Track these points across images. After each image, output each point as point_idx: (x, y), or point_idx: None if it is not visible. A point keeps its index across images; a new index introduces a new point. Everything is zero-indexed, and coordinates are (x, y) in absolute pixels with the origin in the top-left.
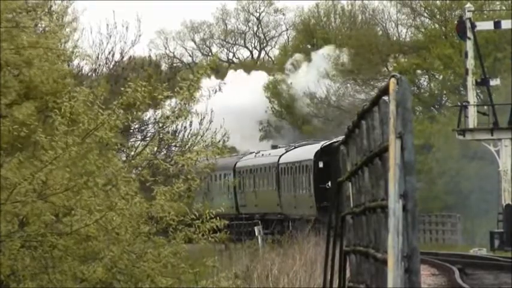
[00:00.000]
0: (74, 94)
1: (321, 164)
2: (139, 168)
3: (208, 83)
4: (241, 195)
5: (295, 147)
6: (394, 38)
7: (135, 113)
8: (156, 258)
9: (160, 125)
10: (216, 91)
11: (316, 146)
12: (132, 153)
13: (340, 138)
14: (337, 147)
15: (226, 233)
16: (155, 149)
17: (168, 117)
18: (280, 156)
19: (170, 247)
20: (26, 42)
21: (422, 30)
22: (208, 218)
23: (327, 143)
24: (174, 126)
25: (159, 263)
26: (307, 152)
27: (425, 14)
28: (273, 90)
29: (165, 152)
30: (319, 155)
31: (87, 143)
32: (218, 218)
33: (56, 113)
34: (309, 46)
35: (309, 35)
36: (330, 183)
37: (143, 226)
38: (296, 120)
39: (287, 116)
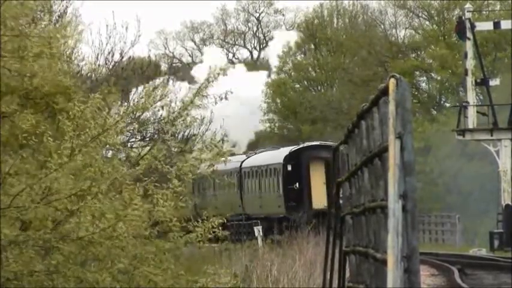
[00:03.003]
0: (85, 99)
1: (289, 167)
2: (138, 169)
3: (214, 89)
4: (201, 199)
5: (256, 154)
6: (393, 39)
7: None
8: (158, 264)
9: (166, 128)
10: (222, 99)
11: (285, 151)
12: (132, 153)
13: (307, 143)
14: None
15: (226, 239)
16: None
17: (174, 124)
18: (242, 162)
19: (171, 252)
20: (31, 51)
21: (420, 31)
22: (211, 226)
23: (295, 148)
24: (174, 128)
25: (160, 266)
26: (276, 156)
27: (424, 16)
28: (277, 90)
29: (164, 152)
30: (288, 158)
31: (91, 147)
32: (220, 227)
33: (63, 116)
34: (312, 46)
35: (311, 35)
36: (297, 185)
37: (144, 230)
38: (299, 120)
39: (291, 115)
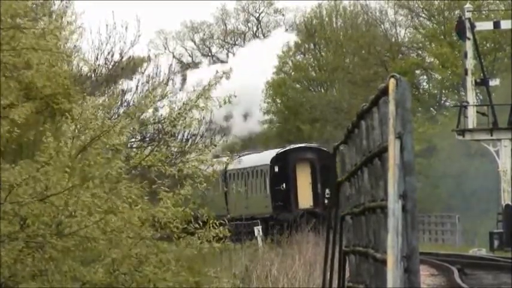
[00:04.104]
0: (85, 101)
1: (276, 168)
2: (139, 169)
3: (217, 92)
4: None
5: (240, 156)
6: (393, 40)
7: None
8: (158, 264)
9: (167, 129)
10: (225, 102)
11: (272, 153)
12: (133, 154)
13: (293, 145)
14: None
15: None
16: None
17: (174, 126)
18: (227, 164)
19: (173, 253)
20: (24, 43)
21: (421, 30)
22: (212, 227)
23: (281, 150)
24: (174, 128)
25: (161, 268)
26: (263, 158)
27: (424, 15)
28: (277, 89)
29: (164, 151)
30: (274, 160)
31: (94, 147)
32: (222, 227)
33: (65, 116)
34: (312, 45)
35: (311, 35)
36: (284, 185)
37: (146, 231)
38: (299, 120)
39: (291, 115)
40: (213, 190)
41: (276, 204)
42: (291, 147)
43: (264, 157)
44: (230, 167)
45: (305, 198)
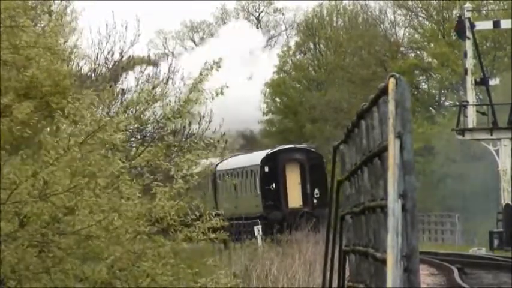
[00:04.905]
0: (79, 96)
1: (266, 169)
2: (139, 168)
3: (211, 83)
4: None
5: (230, 157)
6: (392, 39)
7: (134, 112)
8: (156, 258)
9: (161, 125)
10: (218, 94)
11: (262, 153)
12: (132, 153)
13: (283, 146)
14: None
15: (225, 232)
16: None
17: (169, 119)
18: (217, 165)
19: (170, 246)
20: (25, 41)
21: (420, 30)
22: (208, 218)
23: (271, 151)
24: (173, 125)
25: (159, 262)
26: (253, 158)
27: (422, 15)
28: (277, 89)
29: (164, 151)
30: (265, 160)
31: (89, 144)
32: (218, 218)
33: (60, 114)
34: (312, 45)
35: (311, 35)
36: (274, 185)
37: (144, 226)
38: (299, 120)
39: (290, 115)
40: (203, 190)
41: (267, 203)
42: (281, 148)
43: (254, 157)
44: (219, 167)
45: (294, 198)
